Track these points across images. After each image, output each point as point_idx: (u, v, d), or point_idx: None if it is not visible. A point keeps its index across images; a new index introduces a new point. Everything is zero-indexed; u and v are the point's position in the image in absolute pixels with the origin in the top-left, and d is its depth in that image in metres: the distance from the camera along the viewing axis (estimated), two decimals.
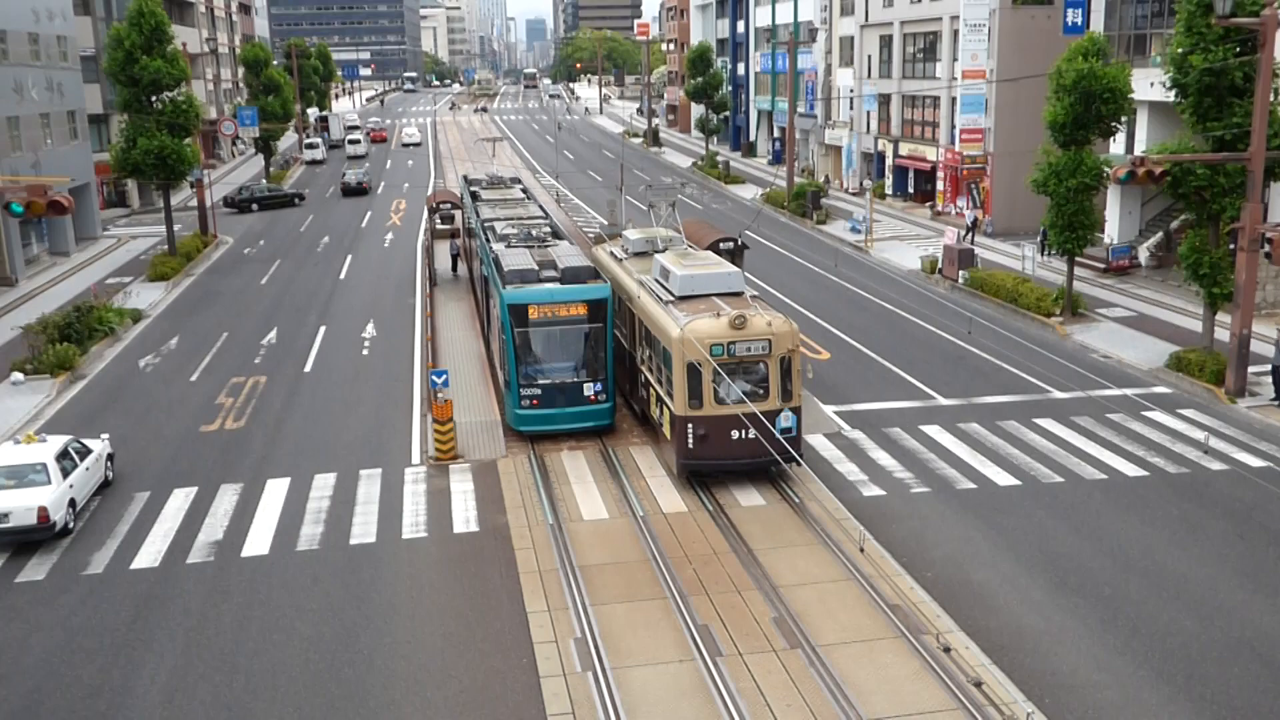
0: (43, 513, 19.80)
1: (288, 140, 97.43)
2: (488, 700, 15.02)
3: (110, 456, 23.27)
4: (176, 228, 49.58)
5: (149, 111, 46.84)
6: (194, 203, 53.86)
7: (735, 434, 21.26)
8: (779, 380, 21.42)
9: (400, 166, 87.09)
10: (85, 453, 22.13)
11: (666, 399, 22.09)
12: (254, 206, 64.83)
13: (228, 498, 22.35)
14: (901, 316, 36.31)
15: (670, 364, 21.59)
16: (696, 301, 22.61)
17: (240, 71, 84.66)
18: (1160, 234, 41.39)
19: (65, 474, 20.89)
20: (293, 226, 57.07)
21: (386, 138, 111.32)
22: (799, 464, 21.52)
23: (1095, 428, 25.27)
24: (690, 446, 21.39)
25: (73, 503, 20.83)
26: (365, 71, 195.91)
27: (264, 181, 71.58)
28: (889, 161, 61.01)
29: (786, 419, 21.38)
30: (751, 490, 21.80)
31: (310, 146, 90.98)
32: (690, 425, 21.27)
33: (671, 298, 23.01)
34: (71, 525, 20.71)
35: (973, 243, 45.61)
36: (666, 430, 22.30)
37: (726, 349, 21.13)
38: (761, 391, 21.42)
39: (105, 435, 23.99)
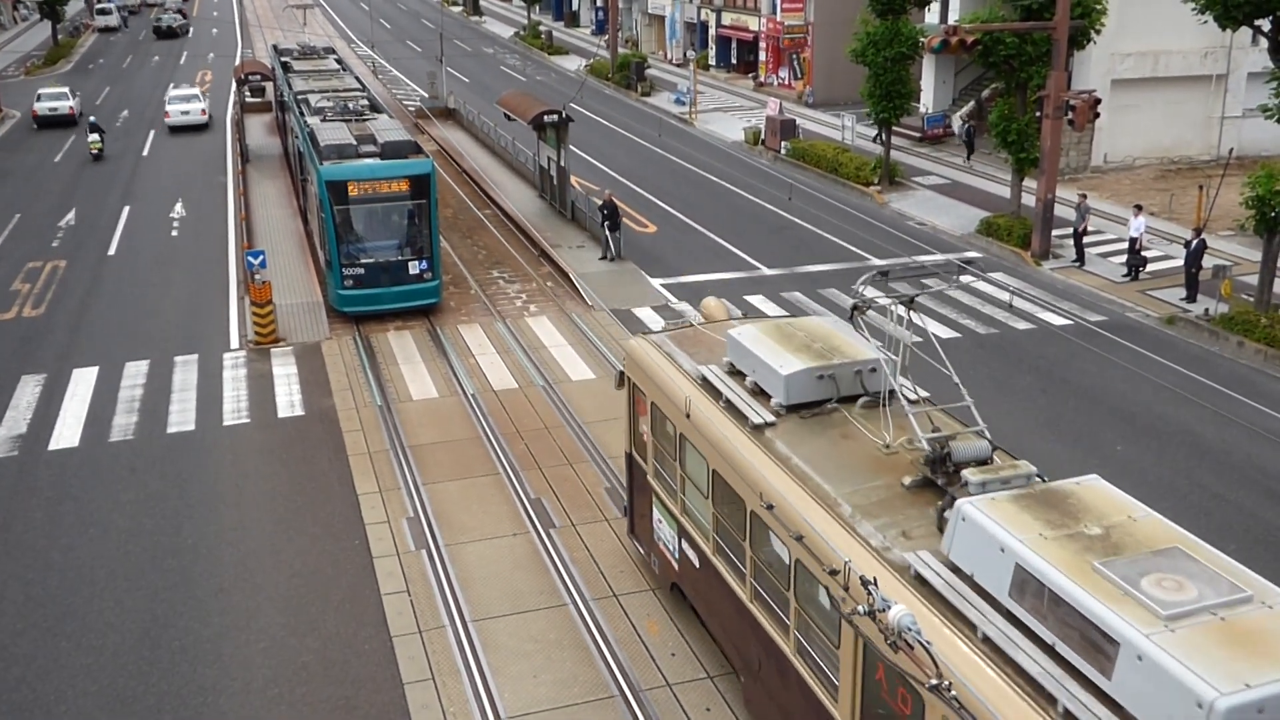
0: (204, 112, 46.87)
1: (76, 5, 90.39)
2: (321, 582, 14.86)
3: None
4: None
5: None
6: None
7: None
8: None
9: (204, 35, 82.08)
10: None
11: None
12: (181, 32, 79.28)
13: (30, 389, 21.18)
14: (726, 188, 36.57)
15: None
16: None
17: None
18: (972, 103, 42.59)
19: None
20: (87, 99, 53.36)
21: None
22: None
23: (910, 292, 26.13)
24: None
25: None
26: None
27: (167, 14, 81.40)
28: (712, 32, 60.63)
29: None
30: (582, 366, 21.89)
31: (103, 12, 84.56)
32: None
33: None
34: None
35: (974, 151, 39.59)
36: None
37: None
38: None
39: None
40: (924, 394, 11.72)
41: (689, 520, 12.71)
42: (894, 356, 11.17)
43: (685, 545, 12.90)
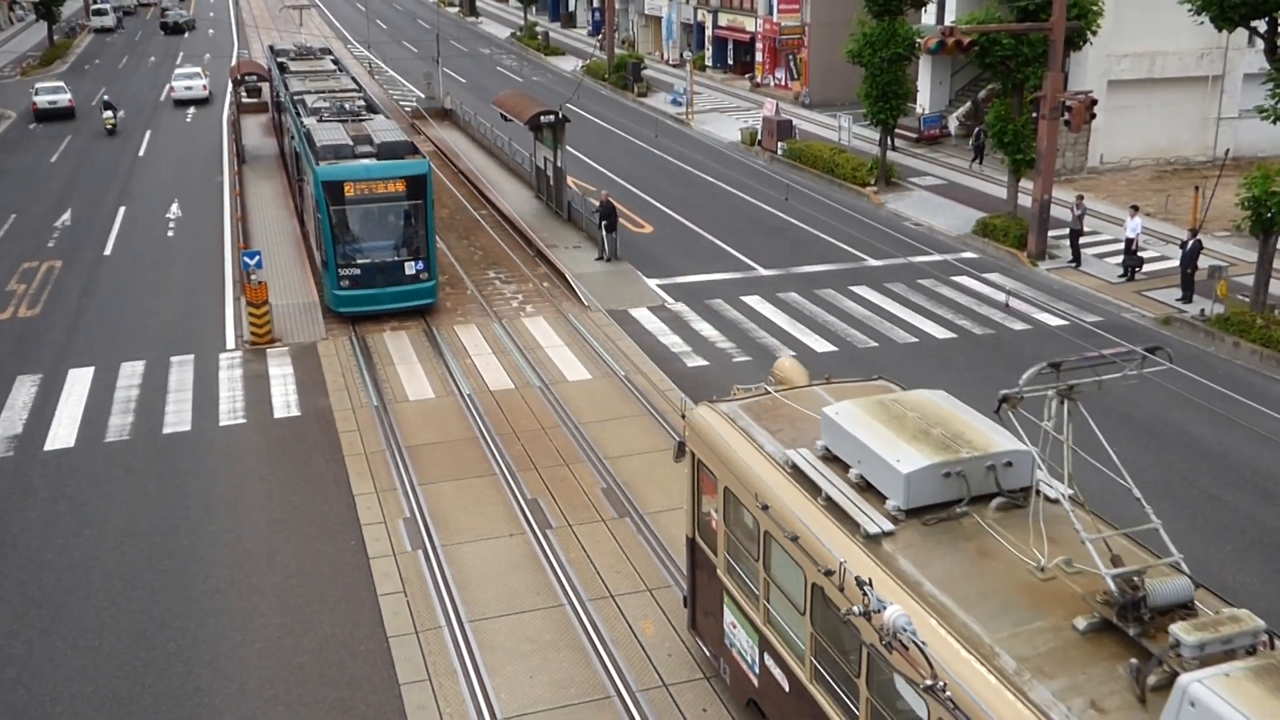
0: (205, 88, 53.01)
1: (73, 6, 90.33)
2: (317, 583, 14.84)
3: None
4: None
5: None
6: None
7: None
8: None
9: (200, 35, 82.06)
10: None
11: None
12: (187, 28, 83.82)
13: (25, 389, 21.14)
14: (722, 188, 36.57)
15: None
16: None
17: None
18: (969, 103, 42.62)
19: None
20: (83, 99, 53.31)
21: None
22: None
23: (907, 293, 26.18)
24: None
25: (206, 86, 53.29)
26: None
27: (173, 10, 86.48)
28: (709, 33, 60.64)
29: None
30: (578, 366, 21.88)
31: (99, 13, 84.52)
32: None
33: None
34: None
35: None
36: None
37: None
38: None
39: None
40: (1067, 491, 9.19)
41: (775, 633, 10.57)
42: (1042, 454, 9.16)
43: (769, 660, 10.78)
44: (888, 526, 9.16)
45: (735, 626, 11.50)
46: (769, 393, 12.16)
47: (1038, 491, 9.04)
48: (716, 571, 11.78)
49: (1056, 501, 8.94)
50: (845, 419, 10.05)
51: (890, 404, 10.37)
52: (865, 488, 9.73)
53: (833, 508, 9.60)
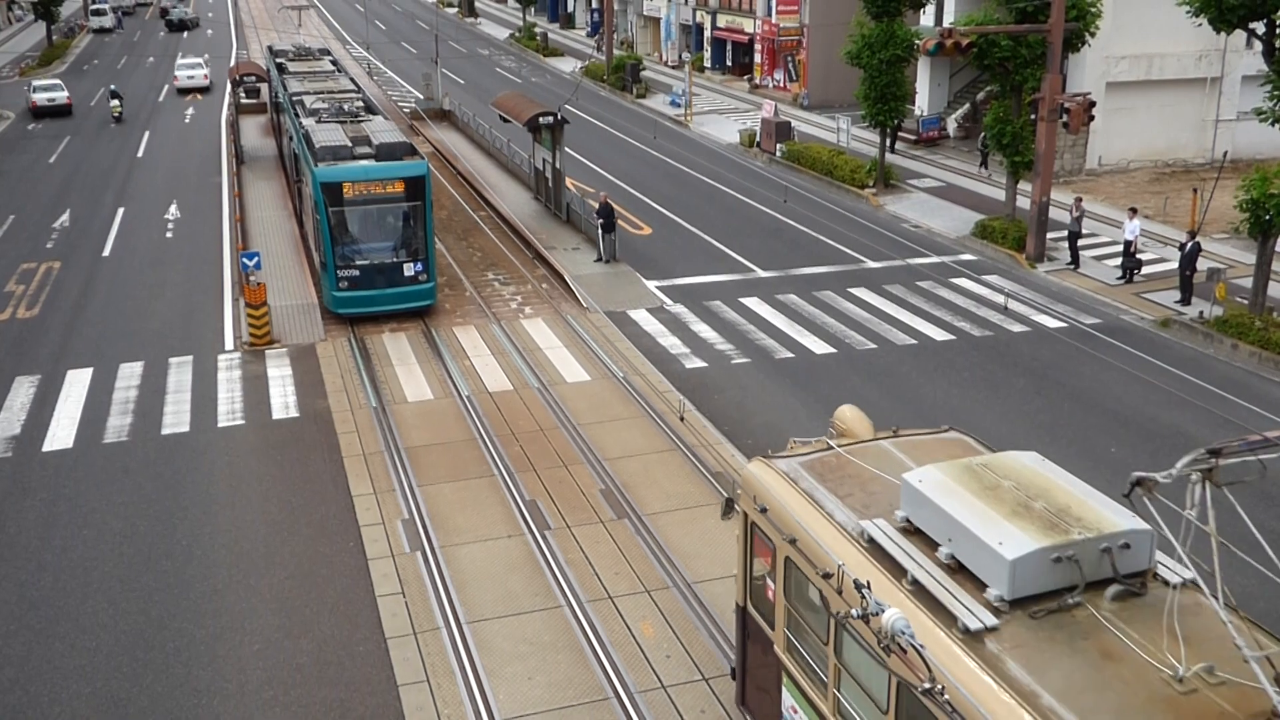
0: (206, 77, 56.07)
1: (72, 6, 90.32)
2: (315, 584, 14.84)
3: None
4: None
5: None
6: None
7: None
8: None
9: (199, 35, 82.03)
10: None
11: None
12: (191, 25, 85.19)
13: (24, 390, 21.14)
14: (721, 190, 36.59)
15: None
16: None
17: None
18: (968, 105, 42.64)
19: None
20: (81, 99, 53.35)
21: None
22: None
23: (906, 295, 26.19)
24: None
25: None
26: None
27: (177, 9, 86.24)
28: (708, 34, 60.67)
29: None
30: (577, 368, 21.89)
31: (97, 13, 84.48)
32: None
33: None
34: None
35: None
36: None
37: None
38: None
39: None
40: (1188, 574, 8.12)
41: None
42: (1183, 545, 7.75)
43: None
44: (991, 621, 7.76)
45: (796, 711, 10.13)
46: (831, 447, 10.76)
47: (1155, 575, 7.95)
48: (774, 648, 10.42)
49: (1182, 587, 7.88)
50: (931, 488, 8.73)
51: (980, 470, 9.02)
52: (957, 569, 8.38)
53: (922, 594, 8.21)
